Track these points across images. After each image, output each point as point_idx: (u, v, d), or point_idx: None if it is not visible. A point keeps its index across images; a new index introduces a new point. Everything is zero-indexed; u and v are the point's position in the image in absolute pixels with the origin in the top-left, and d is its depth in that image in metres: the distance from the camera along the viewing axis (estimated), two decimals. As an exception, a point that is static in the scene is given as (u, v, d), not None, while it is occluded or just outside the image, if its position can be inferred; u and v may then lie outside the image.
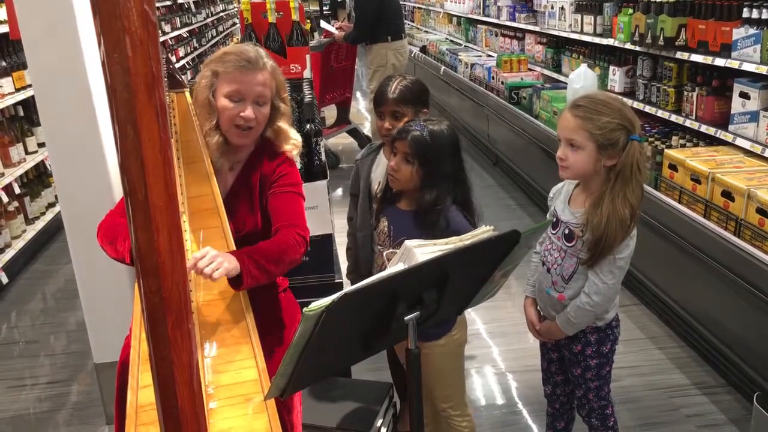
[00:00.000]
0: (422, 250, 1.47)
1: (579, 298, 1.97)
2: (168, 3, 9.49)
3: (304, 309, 1.19)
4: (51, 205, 4.98)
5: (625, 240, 1.90)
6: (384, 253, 2.10)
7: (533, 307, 2.18)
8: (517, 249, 1.54)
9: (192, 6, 11.00)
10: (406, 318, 1.41)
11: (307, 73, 3.28)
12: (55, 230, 4.94)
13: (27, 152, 4.70)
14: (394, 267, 1.44)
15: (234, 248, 1.84)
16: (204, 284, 1.78)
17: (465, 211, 2.06)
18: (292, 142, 2.11)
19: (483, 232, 1.61)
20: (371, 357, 1.61)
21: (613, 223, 1.85)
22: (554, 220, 2.06)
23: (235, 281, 1.76)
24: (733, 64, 3.17)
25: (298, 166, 2.16)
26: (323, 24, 6.78)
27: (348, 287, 1.31)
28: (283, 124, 2.08)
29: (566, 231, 1.99)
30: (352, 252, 2.42)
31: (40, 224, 4.77)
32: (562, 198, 2.07)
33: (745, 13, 3.09)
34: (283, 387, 1.37)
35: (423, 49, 9.10)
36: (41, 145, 4.78)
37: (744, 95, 3.18)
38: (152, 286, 0.98)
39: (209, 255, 1.69)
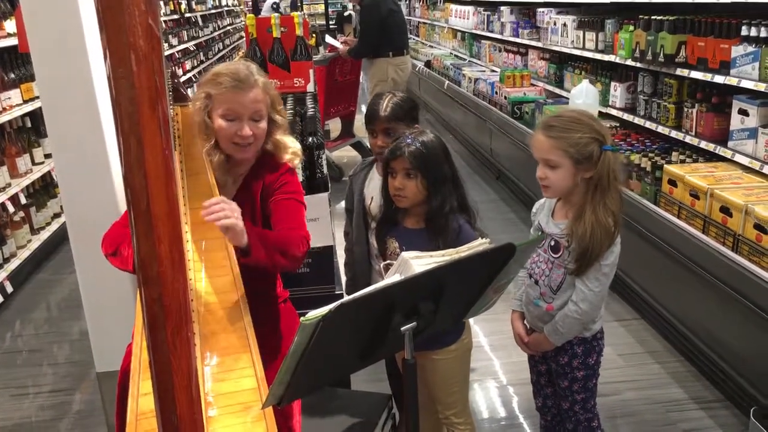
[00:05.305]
0: (419, 262, 1.49)
1: (567, 306, 2.02)
2: (176, 17, 9.59)
3: (301, 318, 1.21)
4: (56, 216, 5.02)
5: (610, 247, 1.96)
6: (380, 265, 2.12)
7: (520, 320, 2.22)
8: (512, 263, 1.57)
9: (199, 20, 11.11)
10: (402, 328, 1.43)
11: (310, 87, 3.33)
12: (60, 240, 4.97)
13: (33, 163, 4.76)
14: (391, 278, 1.46)
15: (235, 259, 1.86)
16: (205, 293, 1.81)
17: (464, 211, 2.10)
18: (292, 152, 2.13)
19: (479, 244, 1.64)
20: (370, 368, 1.63)
21: (597, 232, 1.92)
22: (540, 233, 2.11)
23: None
24: (732, 81, 3.19)
25: (300, 178, 2.19)
26: (328, 38, 6.84)
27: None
28: (281, 136, 2.11)
29: (552, 243, 2.05)
30: (350, 267, 2.44)
31: (45, 234, 4.82)
32: (545, 211, 2.13)
33: (744, 31, 3.12)
34: (280, 395, 1.39)
35: (427, 64, 9.15)
36: (48, 156, 4.84)
37: (743, 112, 3.21)
38: (153, 294, 1.01)
39: (222, 203, 1.71)
